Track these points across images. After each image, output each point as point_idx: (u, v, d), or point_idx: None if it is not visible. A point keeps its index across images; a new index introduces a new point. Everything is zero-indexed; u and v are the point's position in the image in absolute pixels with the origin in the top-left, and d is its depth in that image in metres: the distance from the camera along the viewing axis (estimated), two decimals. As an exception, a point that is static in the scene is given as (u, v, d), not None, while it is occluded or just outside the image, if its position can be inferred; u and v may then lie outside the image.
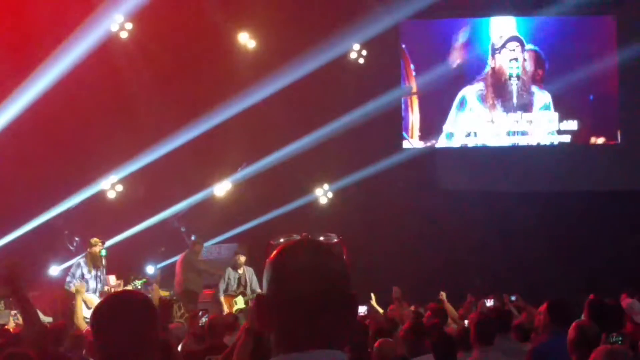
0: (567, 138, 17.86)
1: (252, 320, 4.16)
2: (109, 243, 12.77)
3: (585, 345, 5.03)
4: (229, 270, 13.87)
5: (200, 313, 9.91)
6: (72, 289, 11.35)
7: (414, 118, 18.21)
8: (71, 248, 14.33)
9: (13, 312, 11.84)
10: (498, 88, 18.06)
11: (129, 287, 11.88)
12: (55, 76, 14.22)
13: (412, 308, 11.25)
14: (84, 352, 7.31)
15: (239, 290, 13.68)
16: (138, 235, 15.44)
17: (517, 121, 17.97)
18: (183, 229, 15.73)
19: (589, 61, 17.39)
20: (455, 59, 17.87)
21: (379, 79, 17.47)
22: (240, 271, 13.81)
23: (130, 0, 14.94)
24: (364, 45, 17.49)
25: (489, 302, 11.34)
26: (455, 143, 18.07)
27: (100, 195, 15.64)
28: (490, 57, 18.05)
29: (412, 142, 18.11)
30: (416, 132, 18.17)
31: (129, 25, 15.67)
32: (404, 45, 18.17)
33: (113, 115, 15.76)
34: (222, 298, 13.64)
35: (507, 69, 18.04)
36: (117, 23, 15.56)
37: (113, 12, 15.19)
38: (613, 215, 16.51)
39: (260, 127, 16.54)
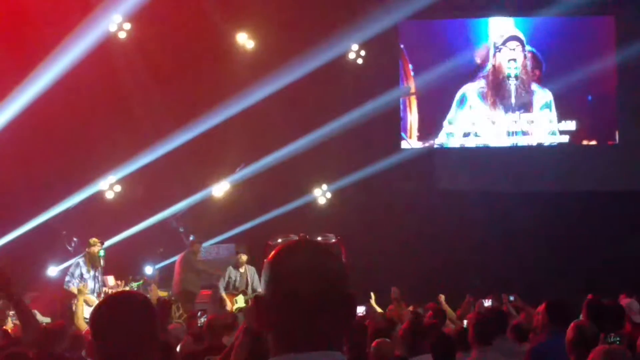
0: (565, 138, 17.87)
1: (250, 321, 4.16)
2: (107, 243, 12.77)
3: (584, 346, 5.04)
4: (230, 269, 13.87)
5: (199, 313, 9.91)
6: (72, 288, 11.37)
7: (412, 118, 18.21)
8: (69, 248, 14.31)
9: (11, 312, 11.83)
10: (498, 86, 18.06)
11: (127, 289, 11.88)
12: (54, 76, 14.22)
13: (411, 308, 11.25)
14: (83, 352, 7.31)
15: (240, 289, 13.68)
16: (136, 235, 15.44)
17: (515, 121, 17.98)
18: (181, 230, 15.72)
19: (587, 62, 17.39)
20: (454, 59, 17.85)
21: (377, 79, 17.47)
22: (242, 270, 13.80)
23: (129, 0, 14.94)
24: (362, 46, 17.48)
25: (487, 303, 11.33)
26: (455, 142, 18.07)
27: (98, 196, 15.64)
28: (491, 54, 18.05)
29: (411, 142, 18.11)
30: (415, 133, 18.17)
31: (128, 26, 15.67)
32: (402, 46, 18.17)
33: (111, 116, 15.76)
34: (223, 294, 13.62)
35: (505, 69, 18.05)
36: (115, 23, 15.55)
37: (111, 12, 15.19)
38: (612, 215, 16.52)
39: (258, 128, 16.54)
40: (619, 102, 17.79)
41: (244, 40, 17.00)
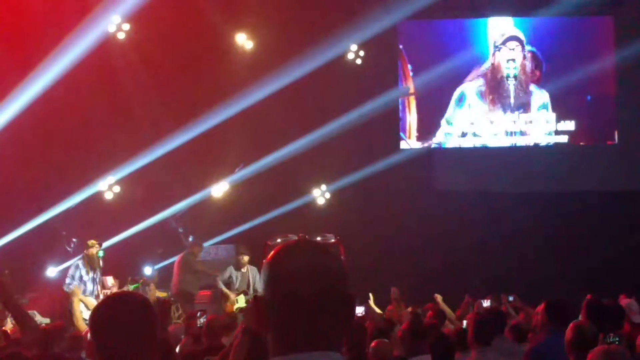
0: (564, 138, 17.87)
1: (249, 321, 4.15)
2: (106, 244, 12.77)
3: (583, 346, 5.04)
4: (231, 269, 13.88)
5: (198, 314, 9.90)
6: (72, 290, 11.38)
7: (411, 119, 18.22)
8: (69, 249, 14.32)
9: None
10: (497, 85, 18.06)
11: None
12: (53, 77, 14.21)
13: (409, 309, 11.24)
14: (83, 354, 7.31)
15: (241, 289, 13.68)
16: (136, 236, 15.44)
17: (514, 121, 17.98)
18: (181, 230, 15.72)
19: (586, 62, 17.40)
20: (452, 59, 17.84)
21: (376, 80, 17.48)
22: (243, 270, 13.81)
23: (127, 1, 14.93)
24: (361, 46, 17.48)
25: (486, 303, 11.32)
26: (453, 142, 18.07)
27: (97, 197, 15.63)
28: (490, 53, 18.05)
29: (410, 142, 18.11)
30: (414, 133, 18.17)
31: (126, 26, 15.66)
32: (401, 46, 18.18)
33: (110, 116, 15.74)
34: (224, 288, 13.63)
35: (504, 69, 18.06)
36: (114, 24, 15.55)
37: (110, 13, 15.18)
38: (611, 215, 16.53)
39: (257, 128, 16.54)
40: (618, 102, 17.79)
41: (243, 40, 17.00)
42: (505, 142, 18.03)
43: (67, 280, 11.66)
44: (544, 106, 17.92)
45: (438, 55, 17.91)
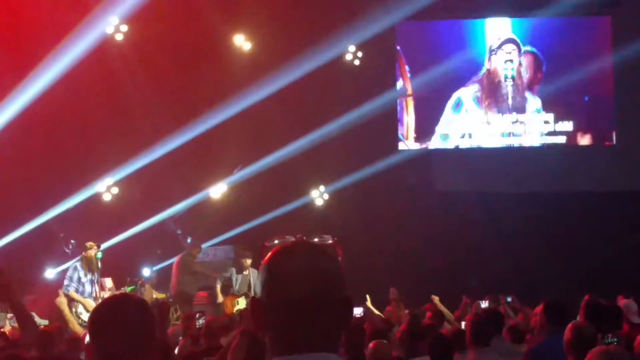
0: (562, 139, 17.88)
1: (247, 322, 4.16)
2: (104, 246, 12.75)
3: (582, 346, 5.04)
4: (233, 271, 13.89)
5: (197, 315, 9.89)
6: (71, 293, 11.39)
7: (409, 119, 18.22)
8: (67, 251, 14.30)
9: (9, 315, 11.82)
10: (493, 89, 18.07)
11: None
12: (51, 79, 14.20)
13: (407, 311, 11.24)
14: (82, 356, 7.30)
15: (242, 291, 13.68)
16: (134, 237, 15.42)
17: (512, 122, 17.99)
18: (179, 231, 15.71)
19: (584, 62, 17.41)
20: (451, 60, 17.84)
21: (374, 81, 17.48)
22: (245, 272, 13.82)
23: (126, 2, 14.93)
24: (359, 47, 17.49)
25: (484, 304, 11.34)
26: (450, 144, 18.08)
27: (96, 198, 15.62)
28: (486, 58, 18.06)
29: (408, 143, 18.12)
30: (411, 134, 18.18)
31: (124, 28, 15.65)
32: (399, 47, 18.18)
33: (108, 118, 15.74)
34: (218, 288, 13.68)
35: (502, 70, 18.06)
36: (112, 25, 15.54)
37: (108, 14, 15.18)
38: (609, 215, 16.53)
39: (256, 129, 16.53)
40: (616, 102, 17.80)
41: (241, 41, 17.00)
42: (502, 143, 18.03)
43: (66, 282, 11.65)
44: (538, 111, 17.97)
45: (436, 56, 17.92)
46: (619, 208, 16.58)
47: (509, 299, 11.97)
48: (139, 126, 15.81)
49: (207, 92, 16.00)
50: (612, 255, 15.76)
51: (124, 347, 2.67)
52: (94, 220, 14.95)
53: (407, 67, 18.16)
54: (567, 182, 17.33)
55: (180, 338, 8.79)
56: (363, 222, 16.78)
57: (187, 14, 16.04)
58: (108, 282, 12.88)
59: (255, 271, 13.81)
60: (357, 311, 11.08)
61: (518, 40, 18.02)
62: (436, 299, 11.27)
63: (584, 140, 18.04)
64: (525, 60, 18.05)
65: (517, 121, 17.98)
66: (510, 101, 18.01)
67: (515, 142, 18.05)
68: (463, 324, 8.84)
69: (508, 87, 18.02)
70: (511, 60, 18.03)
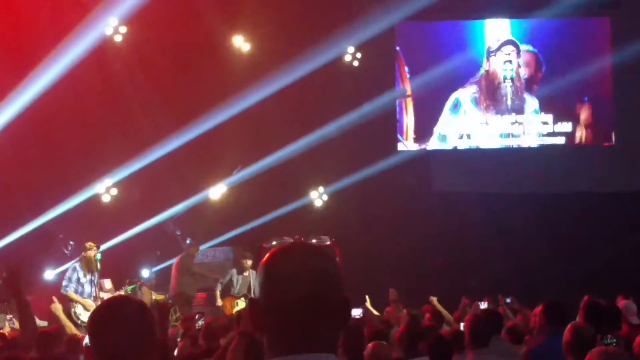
0: (561, 140, 17.89)
1: (245, 323, 4.16)
2: (104, 247, 12.74)
3: (581, 347, 5.04)
4: (233, 272, 13.88)
5: (196, 316, 9.89)
6: (69, 293, 11.38)
7: (408, 120, 18.22)
8: (66, 252, 14.30)
9: (8, 316, 11.83)
10: (492, 91, 18.08)
11: (121, 293, 11.87)
12: (50, 80, 14.19)
13: (405, 312, 11.23)
14: (81, 357, 7.30)
15: (242, 293, 13.68)
16: (133, 238, 15.41)
17: (511, 123, 18.00)
18: (178, 232, 15.71)
19: (583, 63, 17.42)
20: (450, 61, 17.84)
21: (373, 82, 17.49)
22: (245, 274, 13.82)
23: (125, 3, 14.92)
24: (358, 48, 17.49)
25: (483, 305, 11.33)
26: (449, 145, 18.08)
27: (95, 199, 15.61)
28: (485, 59, 18.07)
29: (407, 144, 18.12)
30: (411, 135, 18.18)
31: (124, 29, 15.65)
32: (398, 48, 18.19)
33: (107, 119, 15.73)
34: (217, 292, 13.67)
35: (501, 71, 18.07)
36: (111, 26, 15.53)
37: (107, 15, 15.17)
38: (608, 216, 16.53)
39: (255, 130, 16.53)
40: (615, 103, 17.81)
41: (240, 43, 17.00)
42: (501, 144, 18.04)
43: (64, 283, 11.65)
44: (535, 112, 17.98)
45: (435, 57, 17.92)
46: (618, 208, 16.57)
47: (508, 300, 11.95)
48: (138, 127, 15.81)
49: (206, 93, 16.00)
50: (611, 256, 15.76)
51: (124, 348, 2.68)
52: (93, 221, 14.95)
53: (406, 68, 18.16)
54: (566, 182, 17.33)
55: (179, 339, 8.78)
56: (362, 222, 16.78)
57: (186, 15, 16.04)
58: (107, 283, 12.87)
59: (255, 273, 13.76)
60: (356, 312, 11.08)
61: (517, 42, 18.03)
62: (434, 299, 11.26)
63: (583, 140, 18.03)
64: (524, 61, 18.07)
65: (515, 122, 17.99)
66: (509, 102, 18.02)
67: (514, 143, 18.05)
68: (462, 325, 8.85)
69: (507, 88, 18.03)
70: (510, 62, 18.05)
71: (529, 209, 16.69)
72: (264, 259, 1.97)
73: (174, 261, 14.42)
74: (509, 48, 18.01)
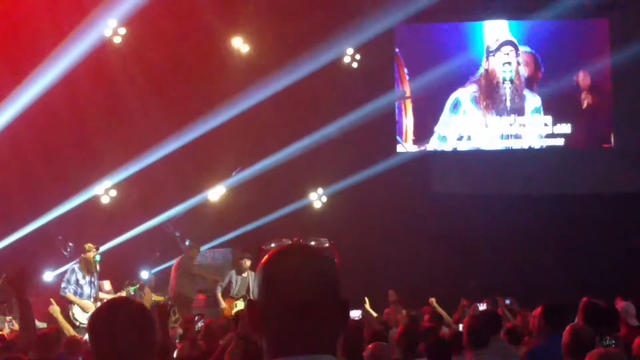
0: (560, 141, 17.90)
1: (243, 324, 4.16)
2: (103, 248, 12.74)
3: (580, 349, 5.04)
4: (232, 273, 13.88)
5: (196, 318, 9.90)
6: (68, 295, 11.37)
7: (407, 122, 18.23)
8: (65, 253, 14.29)
9: (8, 318, 11.82)
10: (491, 90, 18.09)
11: (123, 294, 11.86)
12: (49, 81, 14.19)
13: (404, 313, 11.24)
14: (79, 359, 7.30)
15: (240, 294, 13.68)
16: (132, 240, 15.41)
17: (510, 124, 18.00)
18: (177, 234, 15.70)
19: (582, 65, 17.43)
20: (449, 63, 17.84)
21: (372, 83, 17.48)
22: (244, 275, 13.82)
23: (124, 5, 14.92)
24: (357, 50, 17.49)
25: (482, 306, 11.33)
26: (448, 146, 18.09)
27: (94, 201, 15.61)
28: (484, 59, 18.08)
29: (406, 146, 18.12)
30: (410, 136, 18.18)
31: (123, 30, 15.65)
32: (397, 50, 18.19)
33: (106, 120, 15.74)
34: (219, 294, 13.65)
35: (500, 72, 18.08)
36: (110, 28, 15.53)
37: (106, 17, 15.18)
38: (607, 218, 16.53)
39: (254, 132, 16.54)
40: (614, 104, 17.81)
41: (239, 44, 17.00)
42: (501, 145, 18.04)
43: (63, 285, 11.64)
44: (537, 110, 17.98)
45: (434, 58, 17.92)
46: (617, 210, 16.57)
47: (508, 302, 11.96)
48: (137, 128, 15.81)
49: (205, 94, 16.01)
50: (610, 258, 15.77)
51: (123, 349, 2.68)
52: (92, 222, 14.95)
53: (405, 70, 18.17)
54: (565, 184, 17.33)
55: (178, 340, 8.79)
56: (361, 224, 16.79)
57: (185, 17, 16.06)
58: (106, 284, 12.87)
59: (254, 274, 13.75)
60: (356, 314, 11.08)
61: (516, 42, 18.04)
62: (433, 301, 11.27)
63: (582, 142, 18.04)
64: (523, 62, 18.08)
65: (515, 123, 17.99)
66: (508, 103, 18.03)
67: (513, 144, 18.06)
68: (461, 326, 8.85)
69: (506, 90, 18.04)
70: (509, 63, 18.06)
71: (528, 211, 16.68)
72: (263, 260, 1.97)
73: (173, 262, 14.41)
74: (508, 48, 18.03)
